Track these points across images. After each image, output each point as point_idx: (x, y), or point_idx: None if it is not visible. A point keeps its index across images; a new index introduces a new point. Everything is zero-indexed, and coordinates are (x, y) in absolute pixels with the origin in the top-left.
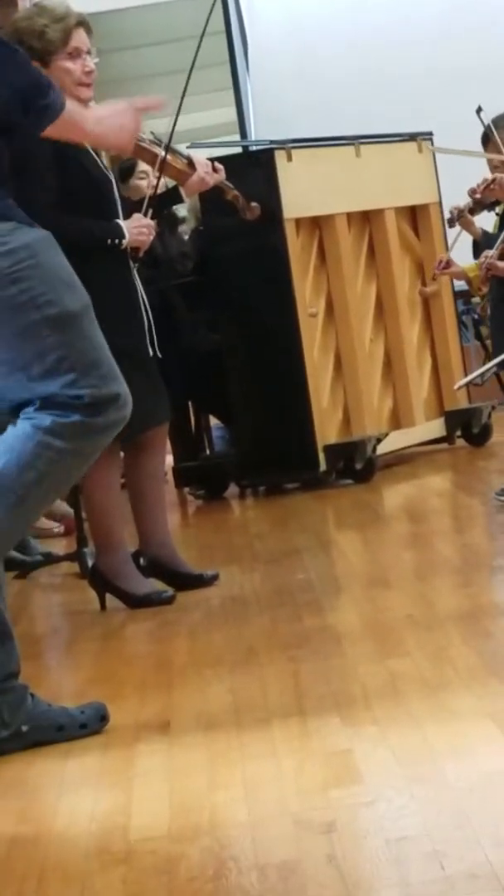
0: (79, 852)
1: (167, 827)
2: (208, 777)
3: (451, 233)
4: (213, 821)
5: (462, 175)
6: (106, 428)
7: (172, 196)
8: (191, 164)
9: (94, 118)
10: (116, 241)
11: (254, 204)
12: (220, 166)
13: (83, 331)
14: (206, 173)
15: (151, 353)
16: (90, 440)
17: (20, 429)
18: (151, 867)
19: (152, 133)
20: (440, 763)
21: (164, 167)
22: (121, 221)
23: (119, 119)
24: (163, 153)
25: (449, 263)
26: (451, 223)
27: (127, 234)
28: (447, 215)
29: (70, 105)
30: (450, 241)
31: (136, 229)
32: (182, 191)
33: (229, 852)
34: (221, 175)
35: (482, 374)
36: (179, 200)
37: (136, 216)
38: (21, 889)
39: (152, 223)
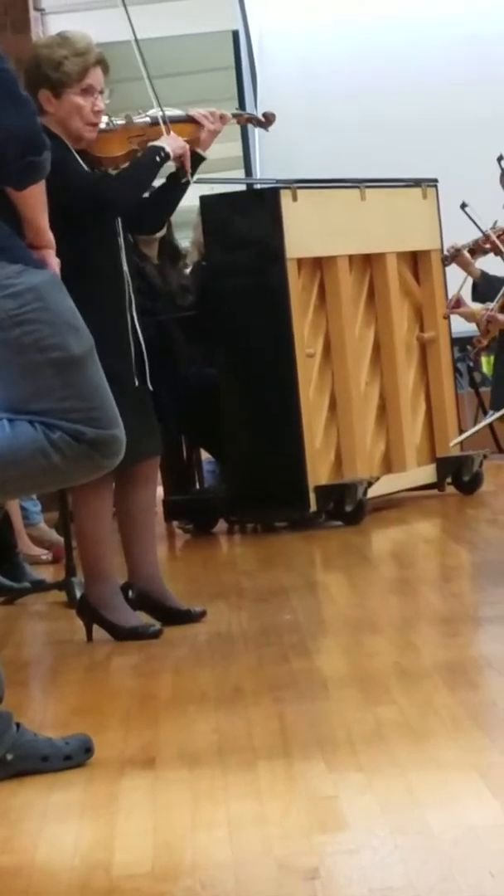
0: (61, 886)
1: (150, 864)
2: (192, 816)
3: (461, 273)
4: (196, 861)
5: (464, 223)
6: (100, 467)
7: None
8: (192, 121)
9: (45, 219)
10: (162, 156)
11: (267, 112)
12: (216, 111)
13: (86, 373)
14: (212, 123)
15: (142, 384)
16: (84, 471)
17: (24, 424)
18: None
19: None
20: (425, 814)
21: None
22: (157, 141)
23: (45, 240)
24: (164, 128)
25: (459, 303)
26: (447, 262)
27: (167, 147)
28: (445, 253)
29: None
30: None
31: (173, 140)
32: (200, 149)
33: (211, 893)
34: (226, 114)
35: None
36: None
37: (163, 137)
38: None
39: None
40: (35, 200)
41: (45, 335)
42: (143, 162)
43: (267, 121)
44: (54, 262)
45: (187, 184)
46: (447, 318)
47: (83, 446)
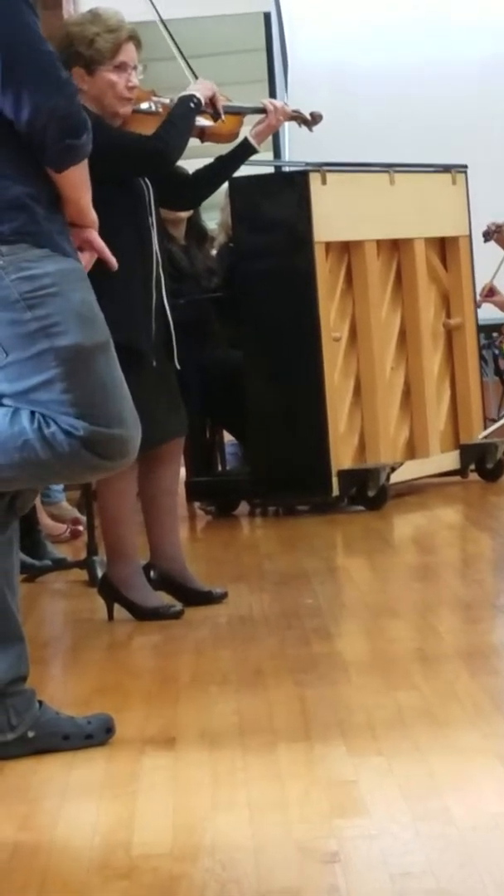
0: (80, 864)
1: (170, 845)
2: (212, 797)
3: (496, 258)
4: (216, 842)
5: (495, 211)
6: (96, 467)
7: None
8: (258, 110)
9: (88, 199)
10: (195, 101)
11: (314, 112)
12: (277, 102)
13: (93, 368)
14: (274, 112)
15: (169, 364)
16: (75, 470)
17: (23, 415)
18: (153, 885)
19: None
20: (446, 800)
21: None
22: (186, 90)
23: (89, 220)
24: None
25: (492, 291)
26: (487, 237)
27: (197, 93)
28: (486, 228)
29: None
30: (477, 277)
31: (199, 84)
32: (253, 141)
33: (231, 875)
34: (286, 107)
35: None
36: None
37: (192, 83)
38: None
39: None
40: (77, 181)
41: (53, 321)
42: (178, 111)
43: (313, 120)
44: (98, 242)
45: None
46: (479, 306)
47: (74, 443)
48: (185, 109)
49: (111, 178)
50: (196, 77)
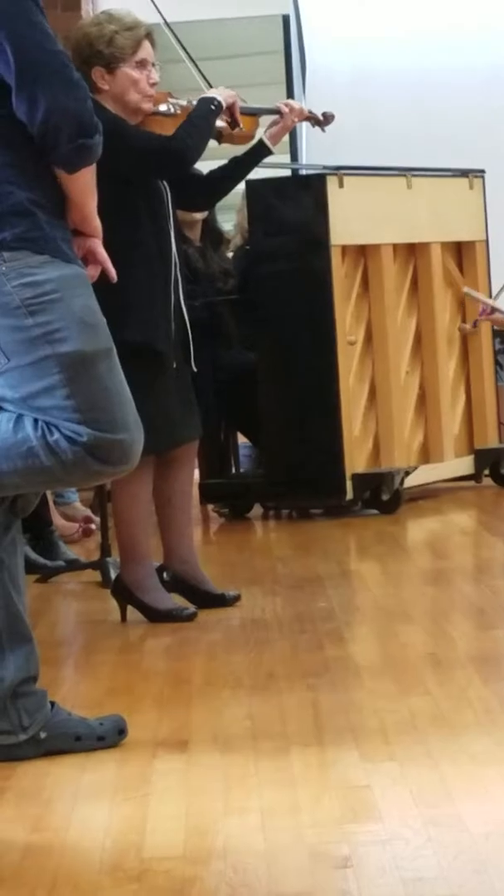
0: (92, 866)
1: (182, 848)
2: (224, 801)
3: (497, 275)
4: (228, 846)
5: None
6: (100, 473)
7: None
8: (272, 111)
9: (93, 206)
10: (216, 104)
11: (326, 112)
12: (294, 103)
13: (94, 374)
14: (289, 113)
15: (186, 366)
16: (79, 476)
17: (27, 422)
18: (165, 888)
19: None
20: (458, 806)
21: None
22: (208, 92)
23: (92, 227)
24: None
25: (493, 310)
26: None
27: (219, 96)
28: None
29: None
30: (493, 282)
31: (221, 90)
32: (269, 142)
33: (243, 879)
34: (302, 107)
35: None
36: None
37: (213, 89)
38: None
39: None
40: (84, 185)
41: (55, 328)
42: (199, 112)
43: (325, 120)
44: (102, 252)
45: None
46: (476, 326)
47: (78, 450)
48: (205, 111)
49: (132, 179)
50: (207, 80)
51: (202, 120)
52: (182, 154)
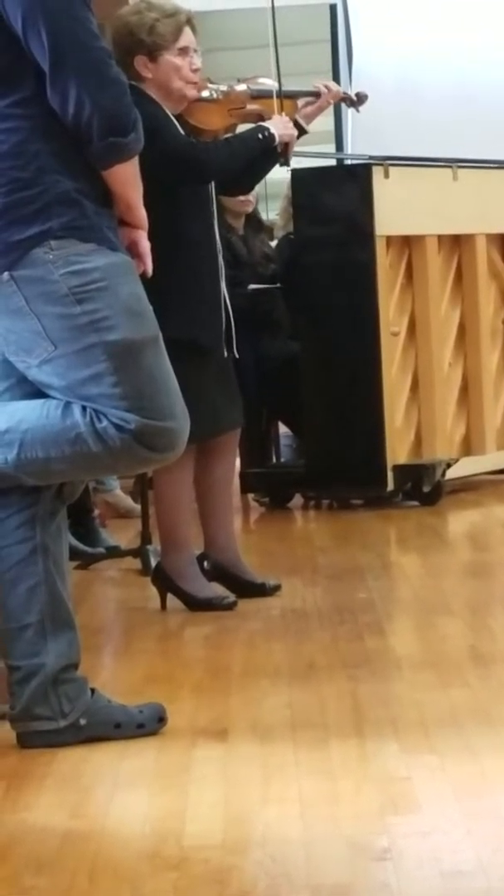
0: (131, 853)
1: (221, 836)
2: (263, 790)
3: None
4: (267, 835)
5: None
6: (147, 460)
7: None
8: (311, 93)
9: (137, 196)
10: (265, 136)
11: (360, 91)
12: (332, 84)
13: (142, 362)
14: (326, 94)
15: (229, 355)
16: (127, 463)
17: (75, 409)
18: (204, 876)
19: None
20: (498, 799)
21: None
22: (268, 122)
23: (137, 218)
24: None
25: None
26: None
27: (274, 129)
28: None
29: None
30: None
31: (283, 125)
32: (303, 121)
33: (282, 868)
34: (338, 88)
35: None
36: None
37: (275, 117)
38: (72, 883)
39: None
40: (123, 177)
41: (103, 316)
42: (245, 137)
43: (359, 100)
44: (145, 244)
45: (284, 163)
46: None
47: (126, 437)
48: (251, 138)
49: (156, 177)
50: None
51: (242, 143)
52: (204, 167)
